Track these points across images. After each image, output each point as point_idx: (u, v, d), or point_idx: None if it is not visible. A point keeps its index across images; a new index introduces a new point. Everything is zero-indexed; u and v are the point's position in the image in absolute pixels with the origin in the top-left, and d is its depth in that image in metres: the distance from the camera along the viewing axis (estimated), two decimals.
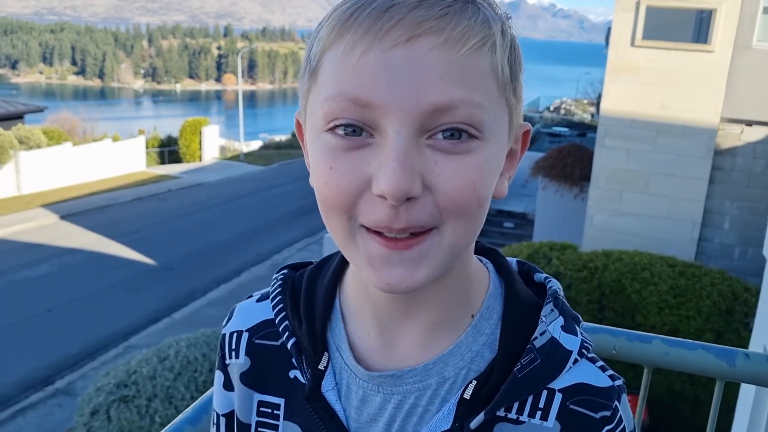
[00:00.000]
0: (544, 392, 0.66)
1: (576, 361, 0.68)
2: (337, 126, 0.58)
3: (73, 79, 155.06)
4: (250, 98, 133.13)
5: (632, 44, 10.12)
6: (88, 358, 10.81)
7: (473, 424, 0.64)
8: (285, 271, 0.80)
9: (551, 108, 37.22)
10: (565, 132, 24.02)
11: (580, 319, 0.74)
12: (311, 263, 0.82)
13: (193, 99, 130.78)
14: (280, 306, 0.75)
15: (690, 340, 1.11)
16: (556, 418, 0.66)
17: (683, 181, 10.27)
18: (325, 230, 13.81)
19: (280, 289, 0.77)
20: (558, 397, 0.66)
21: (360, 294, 0.71)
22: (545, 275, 0.76)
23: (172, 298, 13.41)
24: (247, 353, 0.76)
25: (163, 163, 30.50)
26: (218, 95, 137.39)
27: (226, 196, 23.13)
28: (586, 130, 23.38)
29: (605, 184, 10.75)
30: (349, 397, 0.70)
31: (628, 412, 0.70)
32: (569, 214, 13.06)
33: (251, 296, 0.81)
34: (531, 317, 0.69)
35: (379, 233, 0.59)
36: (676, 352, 1.08)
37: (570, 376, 0.67)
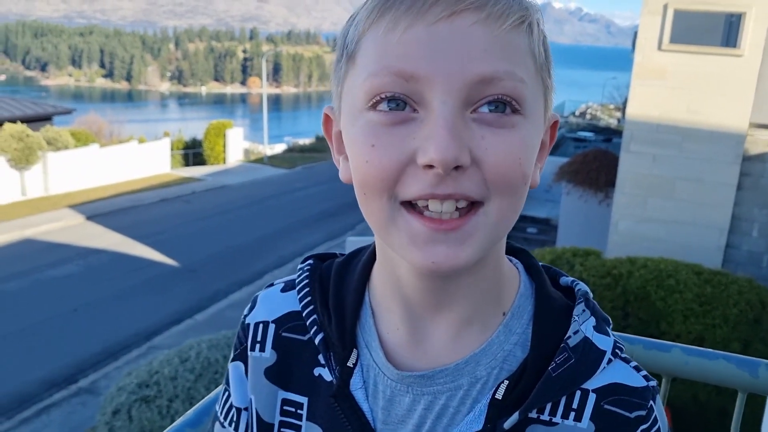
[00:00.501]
0: (578, 393, 0.65)
1: (610, 361, 0.66)
2: (380, 101, 0.58)
3: (101, 82, 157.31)
4: (275, 101, 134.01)
5: (659, 48, 9.99)
6: (111, 357, 10.91)
7: (507, 425, 0.62)
8: (311, 261, 0.78)
9: (577, 113, 36.93)
10: (591, 137, 23.81)
11: (610, 321, 0.72)
12: (335, 255, 0.80)
13: (218, 102, 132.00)
14: (308, 299, 0.73)
15: (711, 350, 1.07)
16: (591, 419, 0.64)
17: (710, 187, 10.10)
18: (347, 233, 13.86)
19: (307, 281, 0.74)
20: (592, 397, 0.65)
21: (389, 288, 0.69)
22: (572, 278, 0.75)
23: (195, 299, 13.50)
24: (273, 347, 0.74)
25: (187, 165, 30.79)
26: (243, 98, 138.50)
27: (249, 198, 23.26)
28: (611, 135, 23.16)
29: (630, 190, 10.62)
30: (376, 396, 0.68)
31: (663, 414, 0.68)
32: (593, 219, 12.93)
33: (273, 284, 0.79)
34: (563, 317, 0.68)
35: (420, 213, 0.58)
36: (695, 361, 1.05)
37: (604, 376, 0.66)
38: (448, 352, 0.67)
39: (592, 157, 13.64)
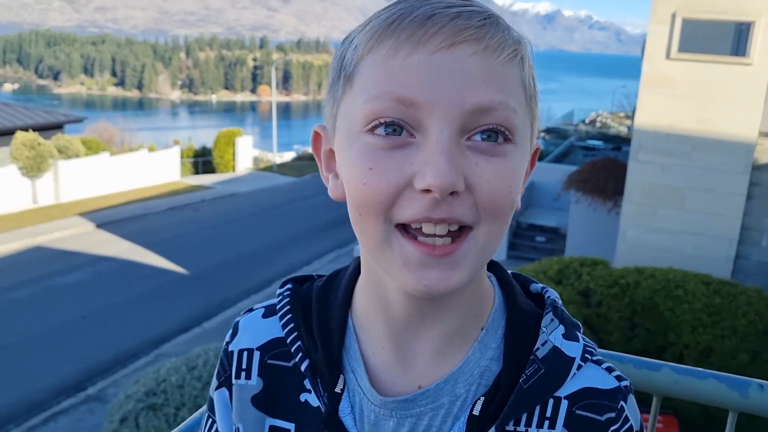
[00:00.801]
0: (551, 401, 0.66)
1: (580, 366, 0.68)
2: (378, 125, 0.59)
3: (112, 90, 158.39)
4: (285, 109, 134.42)
5: (667, 57, 9.97)
6: (119, 365, 10.95)
7: None
8: (290, 285, 0.78)
9: (586, 121, 36.84)
10: (600, 145, 23.74)
11: (580, 325, 0.73)
12: (313, 277, 0.81)
13: (229, 110, 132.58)
14: (291, 325, 0.74)
15: (701, 369, 1.06)
16: (564, 426, 0.66)
17: (720, 197, 10.05)
18: (355, 242, 13.79)
19: (289, 306, 0.75)
20: (564, 404, 0.66)
21: (373, 307, 0.70)
22: (541, 285, 0.77)
23: (203, 307, 13.54)
24: (259, 374, 0.75)
25: (197, 173, 30.93)
26: (253, 106, 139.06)
27: (258, 206, 23.33)
28: (621, 143, 23.09)
29: (639, 199, 10.58)
30: (362, 421, 0.69)
31: (635, 412, 0.69)
32: (602, 228, 12.88)
33: (253, 309, 0.79)
34: (533, 329, 0.69)
35: (414, 238, 0.59)
36: (685, 380, 1.04)
37: (575, 382, 0.67)
38: (431, 370, 0.68)
39: (601, 165, 13.60)
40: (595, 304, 7.20)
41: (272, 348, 0.75)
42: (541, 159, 16.03)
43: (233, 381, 0.77)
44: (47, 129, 22.79)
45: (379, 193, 0.59)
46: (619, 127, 34.00)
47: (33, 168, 20.45)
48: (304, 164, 34.90)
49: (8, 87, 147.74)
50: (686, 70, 9.87)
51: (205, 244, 18.20)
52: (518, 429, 0.66)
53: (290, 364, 0.73)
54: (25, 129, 21.22)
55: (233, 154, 31.42)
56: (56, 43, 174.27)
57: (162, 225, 20.01)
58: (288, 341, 0.73)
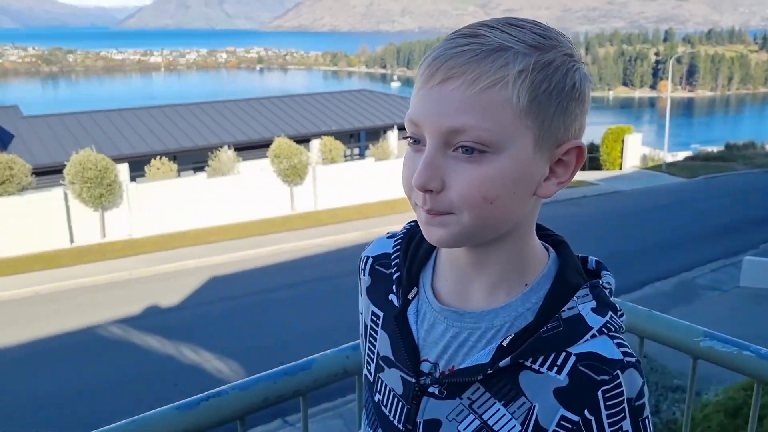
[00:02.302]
0: (563, 354, 0.83)
1: (594, 336, 0.84)
2: (407, 137, 0.86)
3: None
4: (686, 106, 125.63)
5: None
6: None
7: (502, 364, 0.84)
8: (412, 222, 1.05)
9: None
10: None
11: (617, 308, 0.88)
12: None
13: (625, 106, 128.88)
14: (397, 247, 1.03)
15: None
16: (567, 375, 0.82)
17: None
18: (748, 251, 12.66)
19: (403, 235, 1.04)
20: (572, 359, 0.83)
21: (446, 251, 0.94)
22: (601, 267, 0.94)
23: None
24: (369, 274, 1.06)
25: (582, 169, 30.99)
26: (651, 103, 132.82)
27: (641, 206, 22.51)
28: None
29: None
30: (424, 321, 0.94)
31: (633, 385, 0.82)
32: None
33: (389, 234, 1.10)
34: (570, 296, 0.87)
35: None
36: None
37: (586, 345, 0.83)
38: (479, 304, 0.90)
39: None
40: None
41: (380, 259, 1.05)
42: None
43: (360, 276, 1.08)
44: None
45: (405, 181, 0.85)
46: None
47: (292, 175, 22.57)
48: (697, 165, 32.37)
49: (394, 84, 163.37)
50: None
51: (580, 238, 18.23)
52: (533, 366, 0.84)
53: (388, 272, 1.02)
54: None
55: (621, 152, 30.72)
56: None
57: (541, 217, 20.43)
58: (392, 257, 1.04)
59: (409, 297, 0.97)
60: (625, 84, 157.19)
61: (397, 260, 1.02)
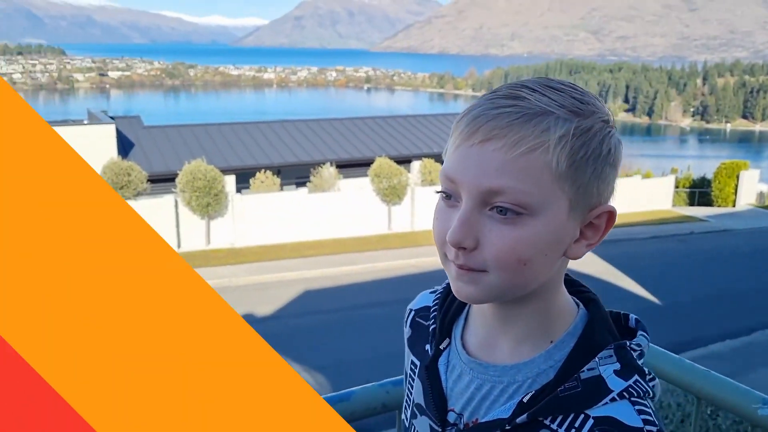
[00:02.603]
0: (582, 416, 0.82)
1: (615, 399, 0.82)
2: (441, 191, 0.87)
3: (623, 116, 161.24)
4: None
5: None
6: None
7: (519, 420, 0.85)
8: None
9: None
10: None
11: (645, 373, 0.86)
12: None
13: (744, 140, 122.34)
14: (437, 302, 1.07)
15: None
16: None
17: None
18: None
19: (443, 289, 1.08)
20: (590, 422, 0.81)
21: (477, 306, 0.97)
22: (643, 333, 0.92)
23: (673, 342, 13.08)
24: (410, 325, 1.12)
25: (691, 204, 29.63)
26: None
27: (753, 246, 21.23)
28: None
29: None
30: (453, 372, 0.98)
31: None
32: None
33: (433, 289, 1.13)
34: (591, 357, 0.86)
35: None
36: None
37: (606, 409, 0.81)
38: (504, 358, 0.92)
39: None
40: None
41: (422, 311, 1.10)
42: None
43: (404, 328, 1.12)
44: None
45: (437, 235, 0.86)
46: None
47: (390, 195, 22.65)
48: None
49: None
50: None
51: (686, 277, 17.47)
52: (551, 425, 0.83)
53: (426, 323, 1.06)
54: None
55: (735, 188, 29.14)
56: (577, 71, 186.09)
57: (643, 252, 19.91)
58: (431, 310, 1.07)
59: (441, 347, 1.01)
60: (744, 117, 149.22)
61: (435, 313, 1.06)
